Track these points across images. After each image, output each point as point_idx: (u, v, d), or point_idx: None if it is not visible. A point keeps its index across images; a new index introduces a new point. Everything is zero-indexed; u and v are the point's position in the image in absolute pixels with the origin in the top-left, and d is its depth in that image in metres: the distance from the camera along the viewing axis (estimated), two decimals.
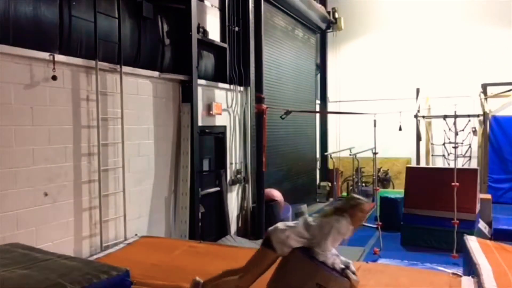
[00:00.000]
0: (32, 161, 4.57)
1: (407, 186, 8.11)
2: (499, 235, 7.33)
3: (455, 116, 7.69)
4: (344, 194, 12.98)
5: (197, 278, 3.86)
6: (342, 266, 3.52)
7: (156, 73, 6.33)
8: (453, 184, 6.88)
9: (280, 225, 3.67)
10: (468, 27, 12.62)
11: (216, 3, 8.05)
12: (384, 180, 12.79)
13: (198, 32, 7.07)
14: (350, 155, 9.91)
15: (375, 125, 8.29)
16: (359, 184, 10.32)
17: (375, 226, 8.06)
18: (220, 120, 7.86)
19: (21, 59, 4.44)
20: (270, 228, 3.68)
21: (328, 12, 12.74)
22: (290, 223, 3.72)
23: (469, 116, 9.75)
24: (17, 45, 4.37)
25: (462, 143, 9.93)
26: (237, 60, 8.28)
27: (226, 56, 8.02)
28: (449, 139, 10.42)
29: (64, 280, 3.04)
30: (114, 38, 5.56)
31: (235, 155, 8.37)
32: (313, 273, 3.43)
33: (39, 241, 4.54)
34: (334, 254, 3.57)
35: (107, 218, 5.49)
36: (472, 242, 4.80)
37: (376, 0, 13.60)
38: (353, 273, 3.52)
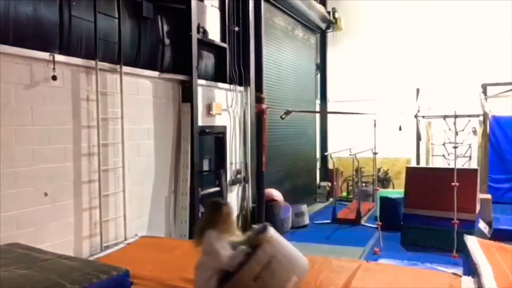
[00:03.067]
0: (32, 161, 4.57)
1: (407, 186, 8.09)
2: (499, 235, 7.30)
3: (455, 116, 7.69)
4: (344, 194, 13.00)
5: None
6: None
7: (156, 73, 6.33)
8: (453, 184, 6.88)
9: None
10: (468, 27, 12.61)
11: (216, 3, 8.05)
12: (384, 180, 12.79)
13: (198, 32, 7.07)
14: (350, 155, 9.89)
15: (375, 125, 8.29)
16: (359, 184, 10.30)
17: (375, 226, 8.07)
18: (220, 120, 7.86)
19: (21, 59, 4.44)
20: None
21: (328, 12, 12.73)
22: None
23: (469, 116, 9.73)
24: (17, 45, 4.37)
25: (462, 143, 9.92)
26: (237, 60, 8.28)
27: (226, 56, 8.02)
28: (449, 139, 10.41)
29: (64, 280, 3.04)
30: (114, 38, 5.57)
31: (235, 155, 8.36)
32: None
33: (39, 241, 4.53)
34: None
35: (107, 218, 5.49)
36: (472, 242, 4.80)
37: (376, 0, 13.59)
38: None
